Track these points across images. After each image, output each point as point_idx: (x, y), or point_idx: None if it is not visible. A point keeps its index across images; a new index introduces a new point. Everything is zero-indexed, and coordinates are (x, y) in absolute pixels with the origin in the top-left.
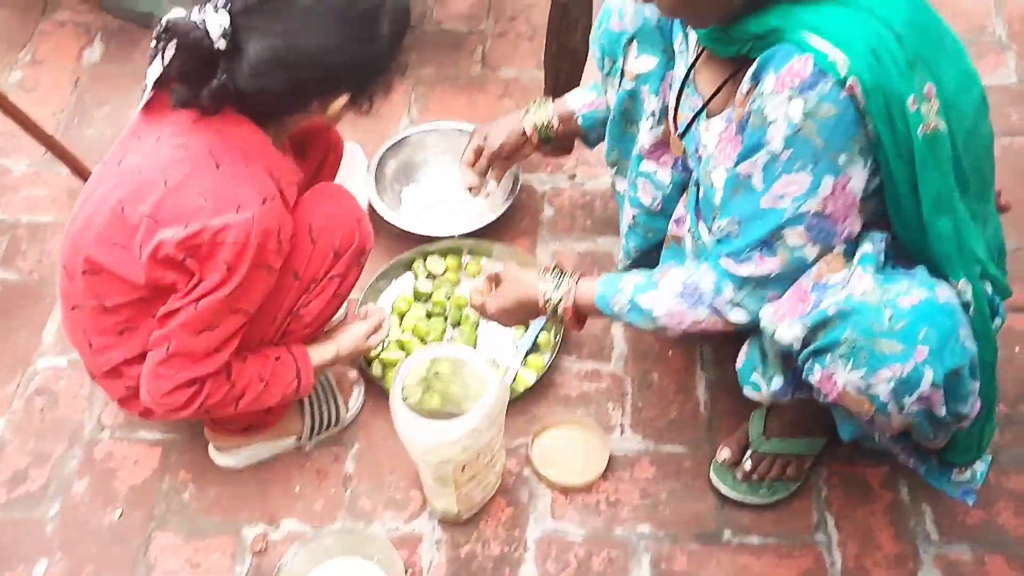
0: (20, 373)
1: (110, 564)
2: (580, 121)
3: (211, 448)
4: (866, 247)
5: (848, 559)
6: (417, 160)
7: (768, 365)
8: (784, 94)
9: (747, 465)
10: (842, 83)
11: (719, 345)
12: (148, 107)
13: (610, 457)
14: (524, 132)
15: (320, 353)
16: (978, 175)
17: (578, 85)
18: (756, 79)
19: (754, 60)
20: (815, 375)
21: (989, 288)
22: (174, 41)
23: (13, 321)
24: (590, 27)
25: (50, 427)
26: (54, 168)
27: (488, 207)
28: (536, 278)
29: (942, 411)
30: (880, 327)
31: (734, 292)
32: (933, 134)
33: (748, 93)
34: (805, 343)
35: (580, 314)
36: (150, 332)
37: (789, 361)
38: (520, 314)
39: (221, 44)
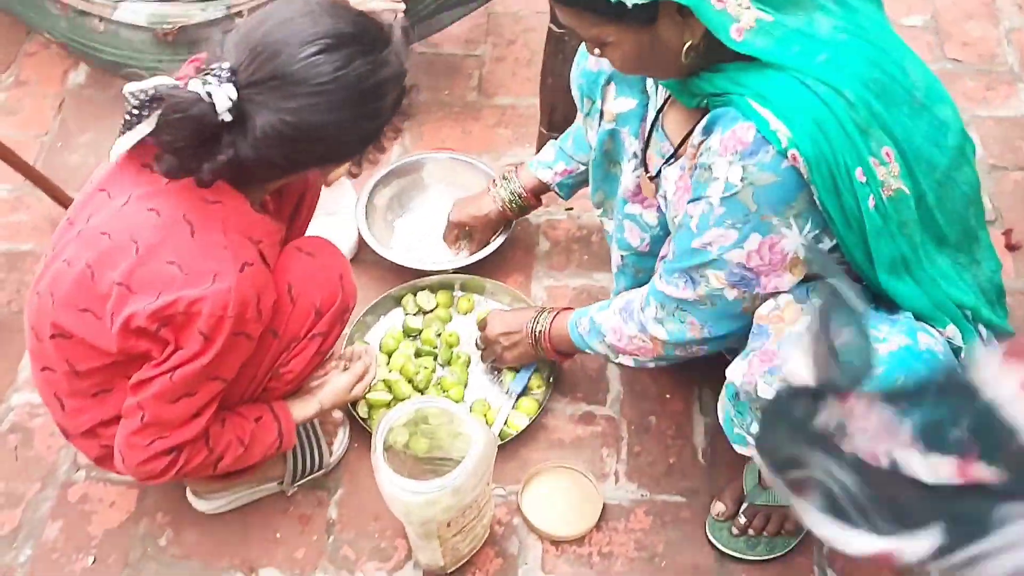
0: None
1: None
2: (556, 189)
3: (188, 492)
4: None
5: None
6: (411, 190)
7: (744, 415)
8: (727, 157)
9: (742, 519)
10: (783, 153)
11: (717, 388)
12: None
13: (604, 506)
14: (500, 210)
15: (302, 409)
16: (958, 224)
17: (574, 115)
18: (706, 133)
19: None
20: None
21: (984, 331)
22: (164, 111)
23: None
24: None
25: (23, 466)
26: (35, 194)
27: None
28: (520, 313)
29: None
30: None
31: (656, 309)
32: (896, 195)
33: (699, 145)
34: None
35: (556, 344)
36: (124, 396)
37: None
38: (516, 352)
39: (227, 117)
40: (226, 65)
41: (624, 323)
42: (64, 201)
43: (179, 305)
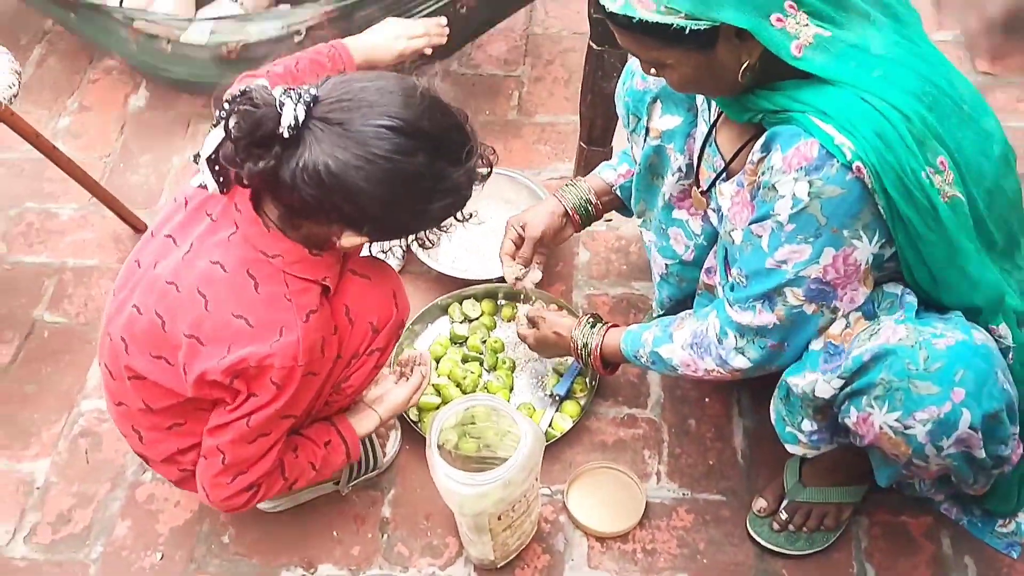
0: (65, 415)
1: None
2: (618, 192)
3: None
4: (907, 300)
5: None
6: None
7: (795, 413)
8: (792, 174)
9: (783, 515)
10: (848, 166)
11: (756, 392)
12: (193, 202)
13: (647, 504)
14: (566, 213)
15: (365, 425)
16: (1005, 230)
17: (613, 133)
18: (765, 150)
19: (767, 127)
20: (851, 417)
21: None
22: (244, 107)
23: (59, 364)
24: None
25: (94, 469)
26: (100, 212)
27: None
28: (572, 323)
29: (981, 454)
30: (916, 368)
31: (736, 339)
32: (951, 201)
33: (759, 162)
34: (842, 391)
35: (607, 362)
36: (199, 426)
37: (823, 412)
38: (555, 351)
39: (286, 132)
40: (313, 91)
41: (700, 359)
42: (128, 218)
43: (251, 360)
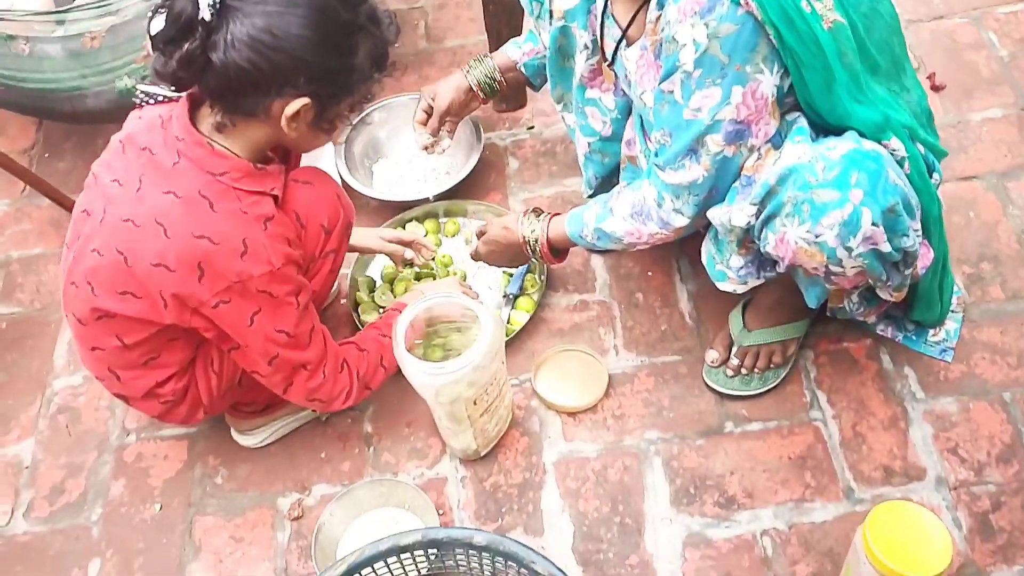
0: (39, 396)
1: (158, 553)
2: (523, 69)
3: (233, 432)
4: (799, 124)
5: (845, 429)
6: (381, 135)
7: (723, 251)
8: (688, 21)
9: (734, 361)
10: (737, 2)
11: (694, 258)
12: (130, 144)
13: (609, 376)
14: (470, 88)
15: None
16: (887, 53)
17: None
18: (660, 7)
19: None
20: (770, 242)
21: (922, 149)
22: (162, 9)
23: (24, 350)
24: None
25: (77, 440)
26: (33, 203)
27: (455, 165)
28: (515, 219)
29: (887, 247)
30: (815, 179)
31: (672, 200)
32: (834, 27)
33: (656, 20)
34: (757, 217)
35: (556, 249)
36: (173, 356)
37: (747, 244)
38: (508, 255)
39: (207, 15)
40: None
41: (643, 225)
42: (63, 202)
43: (230, 277)
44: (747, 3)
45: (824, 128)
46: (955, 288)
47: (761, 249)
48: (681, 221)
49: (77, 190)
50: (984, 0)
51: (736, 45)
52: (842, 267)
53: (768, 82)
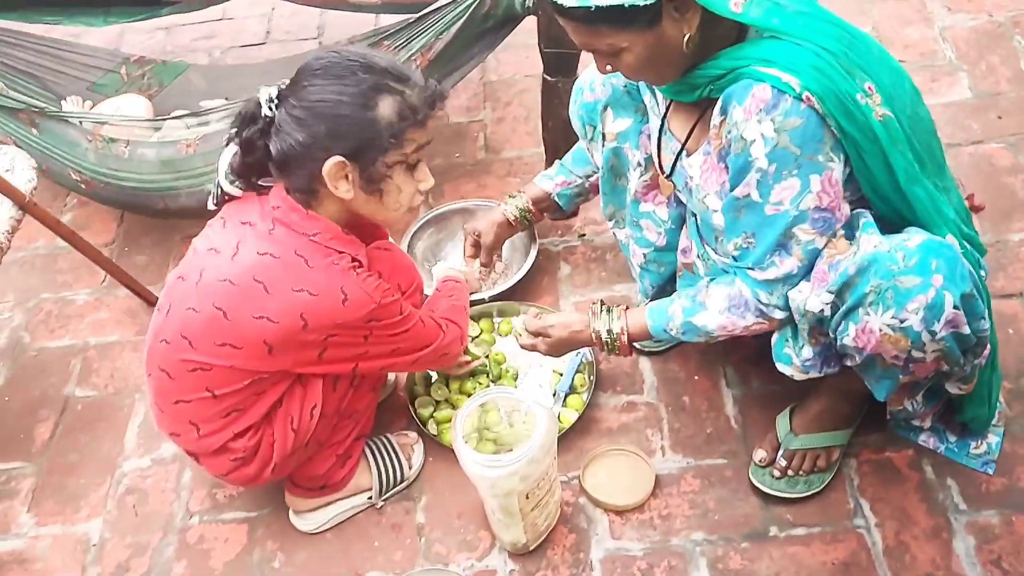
0: (109, 477)
1: None
2: (556, 199)
3: (292, 515)
4: (865, 219)
5: (888, 538)
6: (441, 238)
7: (798, 339)
8: (754, 118)
9: (781, 462)
10: (799, 97)
11: (738, 364)
12: (230, 218)
13: (656, 477)
14: (508, 222)
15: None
16: (929, 152)
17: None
18: (724, 113)
19: (716, 99)
20: (850, 334)
21: (968, 245)
22: (236, 113)
23: (96, 432)
24: None
25: (143, 521)
26: (112, 293)
27: (510, 269)
28: (583, 317)
29: (967, 330)
30: (897, 267)
31: (768, 296)
32: (884, 120)
33: (720, 125)
34: (834, 309)
35: (632, 342)
36: (256, 409)
37: (818, 335)
38: (568, 347)
39: (267, 110)
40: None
41: (741, 318)
42: (141, 293)
43: (336, 321)
44: (808, 98)
45: (886, 221)
46: (999, 403)
47: (839, 341)
48: (780, 314)
49: (153, 282)
50: (1021, 127)
51: (805, 137)
52: (924, 352)
53: (839, 169)
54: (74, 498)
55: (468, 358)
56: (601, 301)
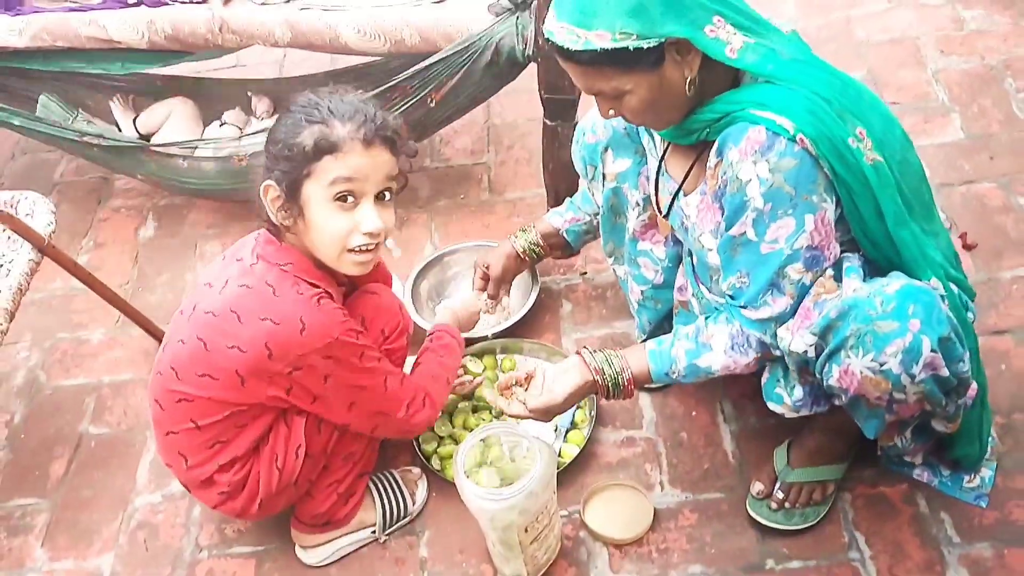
0: (121, 512)
1: None
2: (565, 235)
3: (298, 549)
4: (849, 263)
5: (882, 571)
6: (446, 278)
7: (789, 379)
8: (750, 159)
9: (779, 495)
10: (793, 139)
11: (735, 401)
12: (229, 254)
13: (655, 511)
14: (518, 255)
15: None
16: (918, 197)
17: (575, 195)
18: (720, 155)
19: (712, 142)
20: (834, 375)
21: (955, 288)
22: None
23: (109, 468)
24: None
25: (154, 556)
26: (126, 332)
27: (513, 306)
28: (577, 365)
29: (945, 372)
30: (875, 312)
31: (762, 335)
32: (875, 164)
33: (716, 167)
34: (818, 350)
35: (639, 384)
36: (239, 441)
37: (806, 375)
38: (570, 404)
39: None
40: None
41: (743, 356)
42: (155, 332)
43: (295, 352)
44: (802, 140)
45: (873, 264)
46: (991, 438)
47: (824, 383)
48: (776, 351)
49: (165, 321)
50: (1012, 167)
51: (799, 177)
52: (905, 394)
53: (831, 209)
54: (87, 533)
55: (469, 378)
56: (589, 348)
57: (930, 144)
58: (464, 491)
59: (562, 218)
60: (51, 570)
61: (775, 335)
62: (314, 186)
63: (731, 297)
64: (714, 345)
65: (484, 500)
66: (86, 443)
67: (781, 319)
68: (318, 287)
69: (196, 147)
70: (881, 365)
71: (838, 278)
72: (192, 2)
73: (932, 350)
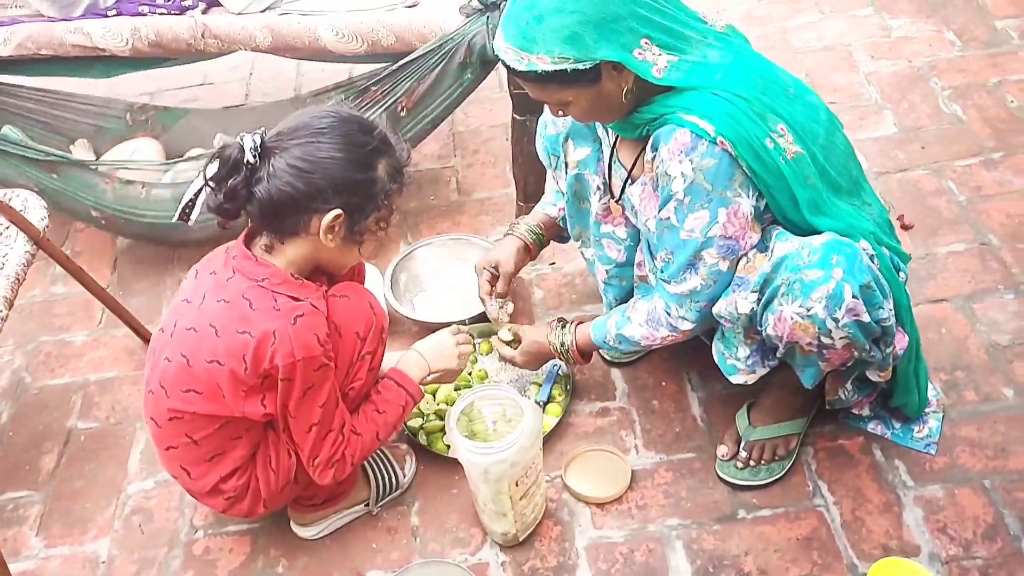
0: (115, 500)
1: None
2: (560, 222)
3: (293, 525)
4: (777, 231)
5: (845, 513)
6: (423, 271)
7: (731, 344)
8: (676, 158)
9: (743, 454)
10: (713, 141)
11: (702, 370)
12: (201, 269)
13: (632, 472)
14: (525, 245)
15: (414, 368)
16: (846, 175)
17: (543, 186)
18: (655, 150)
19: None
20: (769, 323)
21: (887, 252)
22: (215, 155)
23: (100, 459)
24: None
25: (150, 538)
26: (109, 333)
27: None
28: (545, 330)
29: (867, 318)
30: (803, 262)
31: (677, 309)
32: (796, 157)
33: (652, 161)
34: (759, 305)
35: (583, 352)
36: (236, 453)
37: (752, 334)
38: (540, 360)
39: (250, 158)
40: (261, 132)
41: (655, 330)
42: (139, 330)
43: (264, 362)
44: (722, 142)
45: (800, 234)
46: (936, 391)
47: (763, 333)
48: (686, 325)
49: (148, 322)
50: (942, 155)
51: (717, 175)
52: (832, 338)
53: (747, 203)
54: (81, 521)
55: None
56: (560, 318)
57: (867, 138)
58: (458, 448)
59: (555, 207)
60: (48, 556)
61: (691, 312)
62: (384, 213)
63: (661, 271)
64: (634, 318)
65: (477, 454)
66: (75, 437)
67: (694, 295)
68: (299, 299)
69: (160, 178)
70: (808, 310)
71: (764, 250)
72: (171, 13)
73: (854, 296)
